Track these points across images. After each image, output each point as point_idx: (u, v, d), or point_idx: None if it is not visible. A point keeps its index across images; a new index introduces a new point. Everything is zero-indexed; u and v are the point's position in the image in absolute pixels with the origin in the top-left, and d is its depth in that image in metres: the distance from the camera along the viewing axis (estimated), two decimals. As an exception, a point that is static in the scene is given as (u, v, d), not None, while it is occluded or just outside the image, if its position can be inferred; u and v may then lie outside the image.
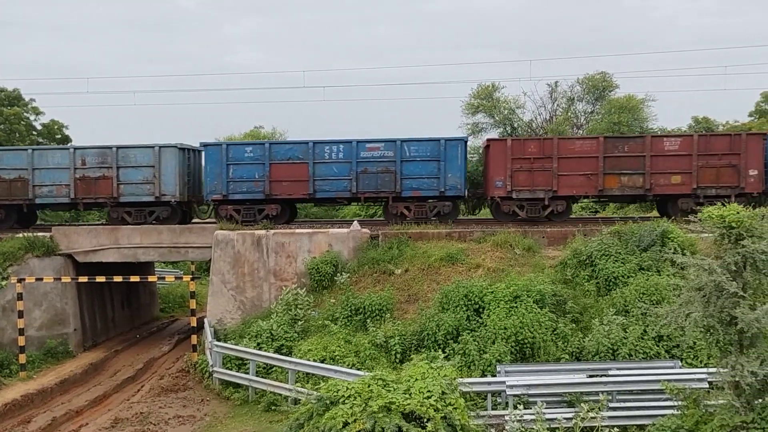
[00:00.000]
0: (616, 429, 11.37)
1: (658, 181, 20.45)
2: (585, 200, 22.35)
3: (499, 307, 15.49)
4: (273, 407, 15.03)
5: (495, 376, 14.03)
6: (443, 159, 20.86)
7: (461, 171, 20.92)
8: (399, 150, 20.98)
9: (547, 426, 11.79)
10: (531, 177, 20.71)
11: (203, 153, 21.96)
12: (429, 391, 11.13)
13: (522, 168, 20.72)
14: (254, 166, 21.36)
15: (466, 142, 21.54)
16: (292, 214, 22.98)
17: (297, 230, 19.72)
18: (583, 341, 15.01)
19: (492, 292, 15.95)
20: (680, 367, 13.89)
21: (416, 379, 11.58)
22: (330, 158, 21.23)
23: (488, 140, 21.52)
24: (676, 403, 11.43)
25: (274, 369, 16.08)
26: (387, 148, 21.09)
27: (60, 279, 19.82)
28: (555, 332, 15.22)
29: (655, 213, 25.18)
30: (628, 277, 16.45)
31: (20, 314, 18.53)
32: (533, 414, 11.86)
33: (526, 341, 14.79)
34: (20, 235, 20.70)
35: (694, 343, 14.01)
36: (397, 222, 21.18)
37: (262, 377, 15.98)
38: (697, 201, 20.33)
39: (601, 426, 11.72)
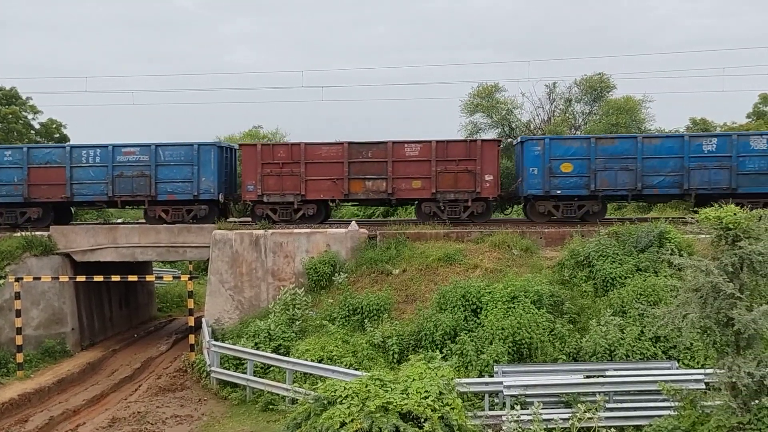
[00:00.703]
0: (612, 430, 11.42)
1: (400, 186, 20.94)
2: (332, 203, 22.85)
3: (496, 307, 15.51)
4: (270, 407, 15.03)
5: (492, 376, 14.05)
6: (197, 163, 21.34)
7: (215, 175, 21.39)
8: (154, 154, 21.43)
9: (544, 426, 11.83)
10: (280, 181, 21.21)
11: None
12: (426, 391, 11.15)
13: (272, 172, 21.21)
14: (13, 170, 21.82)
15: (219, 147, 21.94)
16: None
17: (295, 230, 19.72)
18: (581, 342, 15.03)
19: (490, 293, 15.96)
20: (677, 368, 13.91)
21: (414, 380, 11.61)
22: (87, 162, 21.72)
23: (240, 145, 22.10)
24: (672, 404, 11.46)
25: (271, 369, 16.07)
26: (142, 153, 21.55)
27: (58, 278, 19.81)
28: (552, 333, 15.24)
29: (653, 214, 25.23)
30: (626, 277, 16.47)
31: (18, 313, 18.52)
32: (530, 414, 11.90)
33: (523, 342, 14.81)
34: (18, 234, 20.70)
35: (691, 344, 14.04)
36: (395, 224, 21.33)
37: (260, 377, 15.98)
38: (438, 205, 20.87)
39: (598, 427, 11.75)
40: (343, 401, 10.94)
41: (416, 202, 21.86)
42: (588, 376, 13.47)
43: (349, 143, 21.05)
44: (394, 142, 21.09)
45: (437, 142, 20.83)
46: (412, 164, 20.86)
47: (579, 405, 12.00)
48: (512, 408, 12.30)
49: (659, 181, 20.30)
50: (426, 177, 20.76)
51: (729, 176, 20.02)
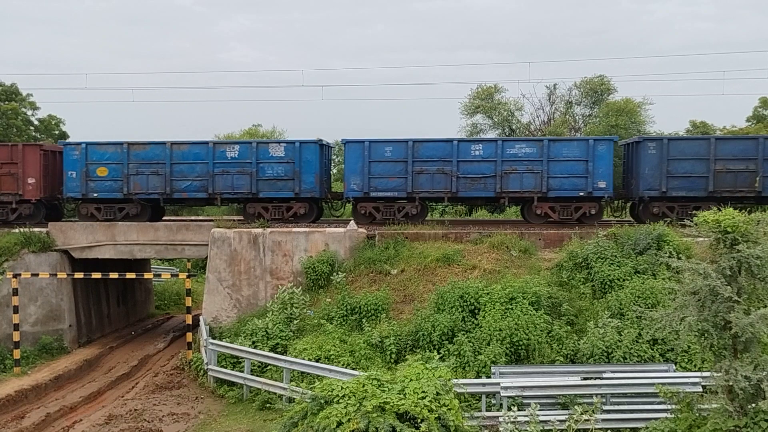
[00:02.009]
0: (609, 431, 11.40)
1: None
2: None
3: (494, 308, 15.51)
4: (267, 406, 15.04)
5: (489, 377, 14.05)
6: None
7: None
8: None
9: (541, 428, 11.84)
10: None
11: None
12: (423, 391, 11.13)
13: None
14: None
15: None
16: None
17: (294, 229, 19.71)
18: (578, 344, 15.03)
19: (487, 294, 15.96)
20: (674, 371, 13.93)
21: (411, 380, 11.59)
22: None
23: None
24: (669, 407, 11.45)
25: (268, 368, 16.08)
26: None
27: (56, 275, 19.79)
28: (550, 334, 15.24)
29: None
30: (624, 280, 16.48)
31: (15, 310, 18.50)
32: (527, 416, 11.90)
33: (521, 343, 14.81)
34: (17, 230, 20.69)
35: (689, 347, 14.05)
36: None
37: (257, 376, 15.99)
38: None
39: (595, 428, 11.76)
40: (340, 401, 10.92)
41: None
42: (585, 378, 13.47)
43: None
44: None
45: None
46: None
47: (576, 407, 12.00)
48: (509, 409, 12.30)
49: (187, 185, 21.54)
50: None
51: (250, 181, 21.28)
